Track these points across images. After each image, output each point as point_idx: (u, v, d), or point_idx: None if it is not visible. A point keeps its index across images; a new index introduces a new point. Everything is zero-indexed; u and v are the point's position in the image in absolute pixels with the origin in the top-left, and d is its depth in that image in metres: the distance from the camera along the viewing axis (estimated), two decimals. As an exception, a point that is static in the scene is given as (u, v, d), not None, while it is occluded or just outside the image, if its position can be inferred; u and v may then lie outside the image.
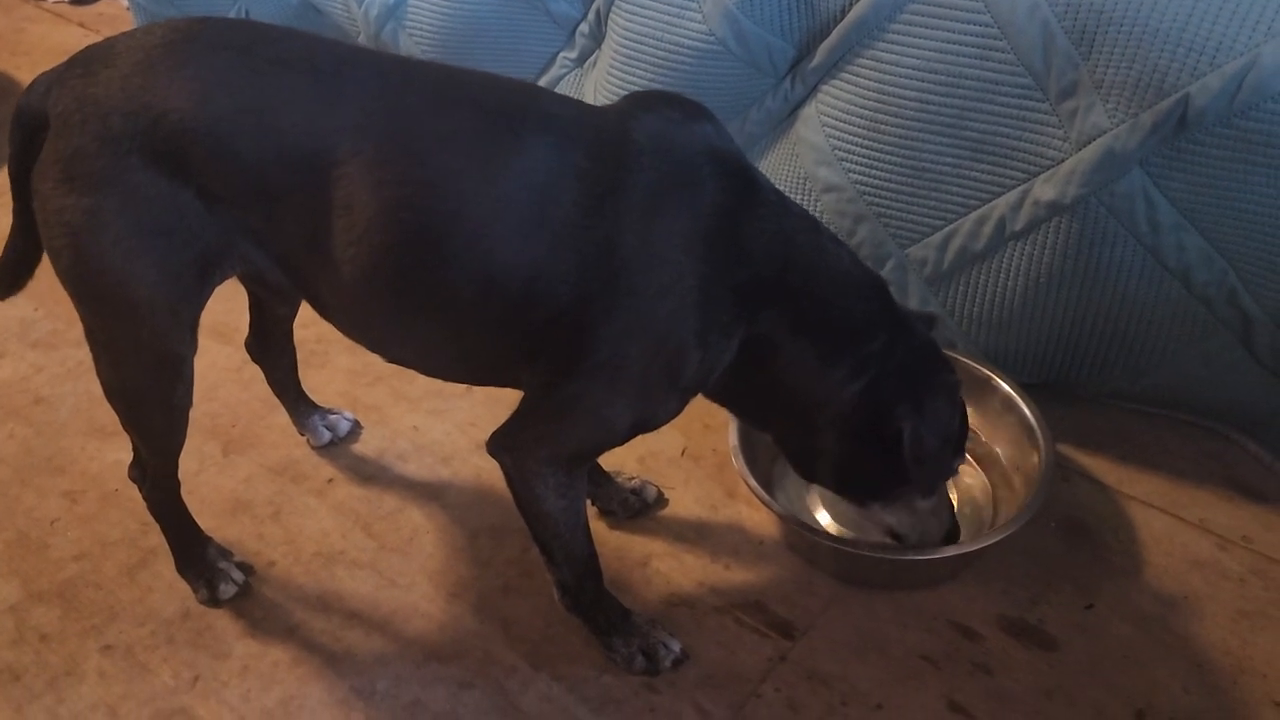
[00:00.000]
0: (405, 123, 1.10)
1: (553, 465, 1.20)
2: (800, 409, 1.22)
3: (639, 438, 1.62)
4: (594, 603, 1.33)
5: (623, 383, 1.13)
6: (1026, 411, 1.51)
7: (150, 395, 1.26)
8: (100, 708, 1.33)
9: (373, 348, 1.26)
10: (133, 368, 1.23)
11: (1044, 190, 1.43)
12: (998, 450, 1.55)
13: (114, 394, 1.27)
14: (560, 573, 1.30)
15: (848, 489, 1.31)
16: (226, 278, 1.22)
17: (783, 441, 1.31)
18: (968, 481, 1.55)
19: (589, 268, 1.09)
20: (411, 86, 1.13)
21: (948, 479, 1.33)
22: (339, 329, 1.27)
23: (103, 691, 1.35)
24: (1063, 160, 1.41)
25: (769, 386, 1.21)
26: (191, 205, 1.12)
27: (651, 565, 1.48)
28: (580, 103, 1.19)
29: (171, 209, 1.11)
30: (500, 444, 1.22)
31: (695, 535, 1.52)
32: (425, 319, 1.17)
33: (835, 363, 1.18)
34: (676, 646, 1.34)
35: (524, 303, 1.11)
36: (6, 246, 1.28)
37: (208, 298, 1.22)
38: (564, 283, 1.10)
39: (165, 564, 1.48)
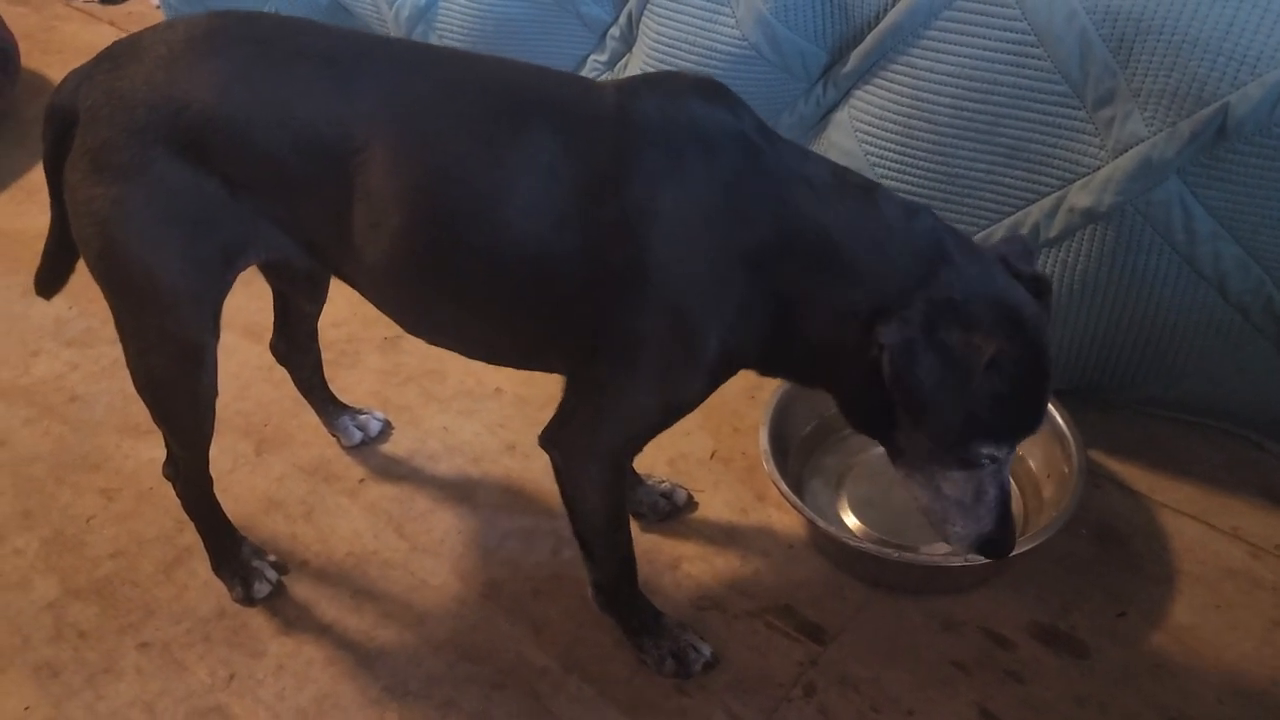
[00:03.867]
0: (417, 109, 1.12)
1: (596, 459, 1.21)
2: (830, 362, 1.15)
3: (669, 440, 1.64)
4: (628, 603, 1.34)
5: (642, 363, 1.13)
6: (1058, 418, 1.50)
7: (177, 385, 1.28)
8: (138, 704, 1.34)
9: (408, 330, 1.27)
10: (159, 358, 1.25)
11: (1079, 198, 1.43)
12: (1029, 457, 1.55)
13: (142, 385, 1.29)
14: (597, 571, 1.31)
15: (887, 445, 1.20)
16: (250, 265, 1.25)
17: (834, 396, 1.21)
18: (998, 488, 1.55)
19: (595, 248, 1.09)
20: (423, 73, 1.14)
21: (971, 439, 1.10)
22: (378, 310, 1.28)
23: (140, 689, 1.36)
24: (1099, 168, 1.41)
25: (799, 346, 1.15)
26: (216, 194, 1.14)
27: (681, 568, 1.48)
28: (586, 82, 1.18)
29: (196, 198, 1.14)
30: (548, 438, 1.23)
31: (725, 538, 1.52)
32: (447, 301, 1.18)
33: (854, 311, 1.09)
34: (707, 650, 1.35)
35: (535, 284, 1.12)
36: (46, 243, 1.30)
37: (230, 285, 1.24)
38: (572, 264, 1.10)
39: (201, 562, 1.50)
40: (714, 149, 1.09)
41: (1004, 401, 1.07)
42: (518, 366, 1.32)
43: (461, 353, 1.29)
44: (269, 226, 1.18)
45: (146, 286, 1.18)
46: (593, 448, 1.20)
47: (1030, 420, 1.13)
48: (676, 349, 1.13)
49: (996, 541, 1.19)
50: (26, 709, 1.34)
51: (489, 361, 1.33)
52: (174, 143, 1.11)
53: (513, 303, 1.15)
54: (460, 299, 1.17)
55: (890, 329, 1.04)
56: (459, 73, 1.15)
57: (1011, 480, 1.55)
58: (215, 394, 1.31)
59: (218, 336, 1.26)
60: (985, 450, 1.11)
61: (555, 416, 1.22)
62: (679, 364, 1.14)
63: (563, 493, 1.25)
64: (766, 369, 1.22)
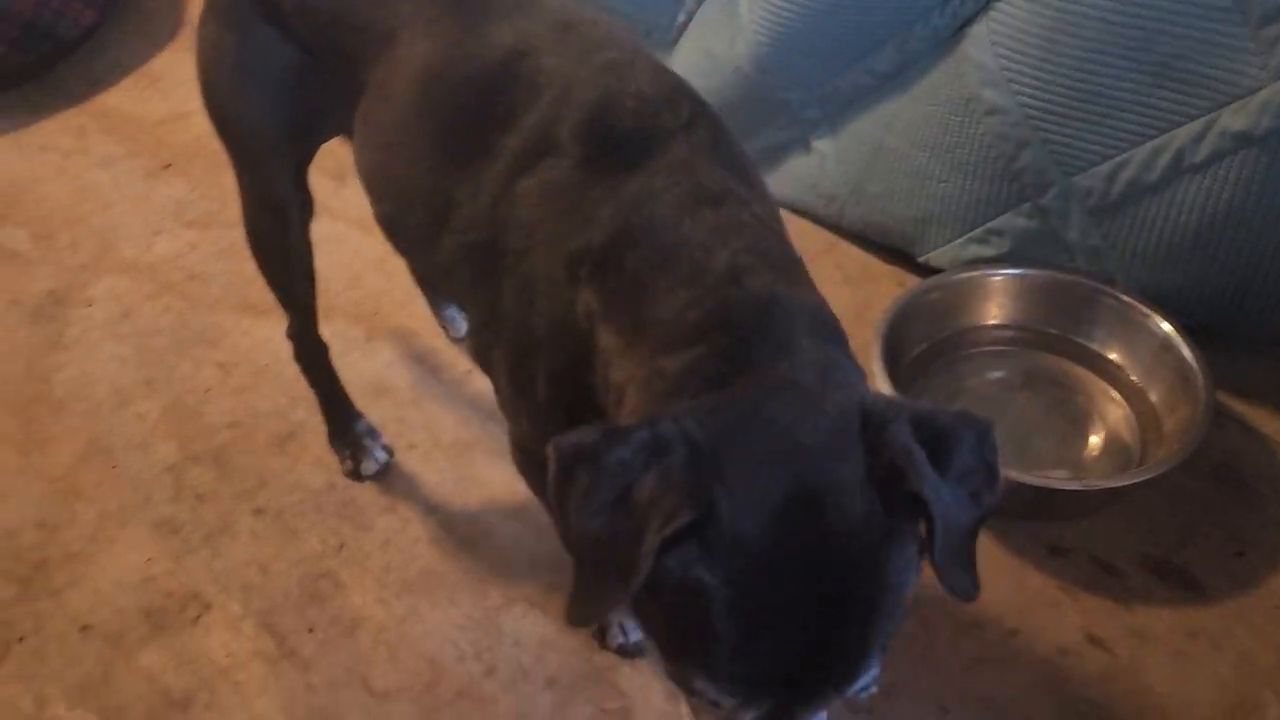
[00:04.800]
0: (435, 19, 1.04)
1: (511, 436, 1.12)
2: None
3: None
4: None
5: (499, 363, 1.01)
6: (1186, 353, 1.45)
7: (269, 240, 1.33)
8: (253, 565, 1.39)
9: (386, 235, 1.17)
10: (252, 207, 1.31)
11: (1233, 120, 1.36)
12: (1151, 392, 1.50)
13: (248, 235, 1.34)
14: None
15: None
16: (330, 138, 1.26)
17: None
18: (1113, 421, 1.51)
19: (480, 216, 0.98)
20: None
21: (677, 656, 0.73)
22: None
23: (255, 550, 1.41)
24: (1257, 90, 1.34)
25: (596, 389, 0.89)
26: (294, 59, 1.17)
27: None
28: (556, 49, 0.99)
29: (277, 59, 1.17)
30: None
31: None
32: (405, 213, 1.09)
33: (633, 365, 0.83)
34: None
35: (444, 223, 1.02)
36: None
37: (312, 153, 1.27)
38: (469, 226, 1.00)
39: (313, 438, 1.54)
40: (595, 158, 0.91)
41: (713, 617, 0.68)
42: (456, 299, 1.22)
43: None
44: (338, 100, 1.14)
45: (235, 132, 1.24)
46: (508, 422, 1.09)
47: (764, 667, 0.69)
48: (513, 360, 0.98)
49: None
50: (148, 560, 1.40)
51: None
52: (263, 2, 1.15)
53: (443, 235, 1.03)
54: (414, 214, 1.07)
55: (569, 433, 0.73)
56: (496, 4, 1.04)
57: (1132, 414, 1.51)
58: (308, 258, 1.34)
59: (302, 202, 1.28)
60: (699, 686, 0.72)
61: None
62: (519, 384, 0.99)
63: None
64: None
